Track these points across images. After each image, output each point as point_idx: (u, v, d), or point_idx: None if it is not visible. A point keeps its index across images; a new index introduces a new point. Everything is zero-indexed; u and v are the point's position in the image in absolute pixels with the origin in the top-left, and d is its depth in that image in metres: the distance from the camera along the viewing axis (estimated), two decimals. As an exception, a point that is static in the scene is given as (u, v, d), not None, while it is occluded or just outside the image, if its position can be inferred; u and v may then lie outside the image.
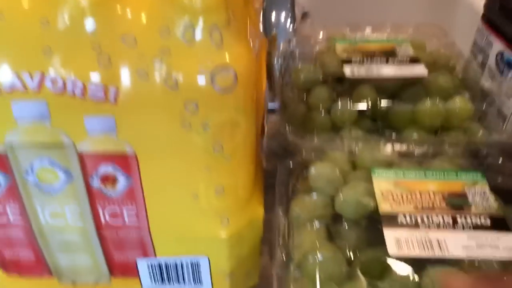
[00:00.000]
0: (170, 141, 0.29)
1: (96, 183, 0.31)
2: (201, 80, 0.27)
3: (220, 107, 0.28)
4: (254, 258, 0.37)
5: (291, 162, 0.37)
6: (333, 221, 0.33)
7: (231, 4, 0.27)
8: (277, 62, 0.52)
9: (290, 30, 0.60)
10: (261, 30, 0.39)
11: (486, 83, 0.32)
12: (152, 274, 0.36)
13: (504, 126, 0.41)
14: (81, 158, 0.30)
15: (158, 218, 0.33)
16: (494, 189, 0.32)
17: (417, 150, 0.37)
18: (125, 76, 0.27)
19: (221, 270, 0.36)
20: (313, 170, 0.35)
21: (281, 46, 0.53)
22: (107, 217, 0.33)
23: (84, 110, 0.28)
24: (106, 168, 0.31)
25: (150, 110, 0.28)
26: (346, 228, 0.32)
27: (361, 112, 0.43)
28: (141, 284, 0.37)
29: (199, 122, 0.28)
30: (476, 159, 0.37)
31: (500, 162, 0.35)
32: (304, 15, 1.04)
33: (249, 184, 0.33)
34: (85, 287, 0.38)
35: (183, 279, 0.36)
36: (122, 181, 0.31)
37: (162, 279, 0.37)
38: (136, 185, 0.31)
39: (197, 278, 0.36)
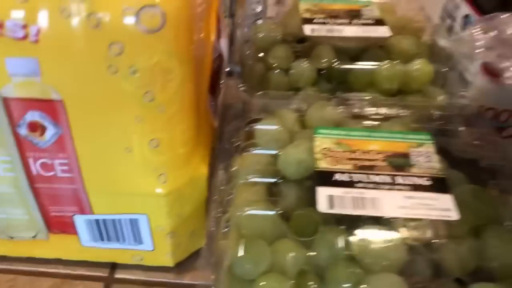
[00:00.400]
0: (97, 87, 0.27)
1: (23, 131, 0.30)
2: (126, 20, 0.25)
3: (148, 50, 0.26)
4: (199, 218, 0.36)
5: (239, 119, 0.35)
6: (276, 180, 0.31)
7: None
8: (244, 20, 0.50)
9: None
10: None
11: (441, 40, 0.30)
12: (90, 231, 0.35)
13: (466, 91, 0.40)
14: (6, 104, 0.29)
15: (92, 172, 0.32)
16: (442, 152, 0.31)
17: (370, 112, 0.35)
18: (46, 15, 0.25)
19: (161, 228, 0.34)
20: (258, 127, 0.33)
21: (252, 4, 0.51)
22: (38, 168, 0.31)
23: (5, 51, 0.26)
24: (33, 116, 0.29)
25: (73, 52, 0.26)
26: (287, 186, 0.30)
27: (320, 73, 0.41)
28: (79, 240, 0.36)
29: (126, 65, 0.26)
30: (429, 123, 0.35)
31: (452, 126, 0.34)
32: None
33: (189, 140, 0.32)
34: (23, 242, 0.36)
35: (123, 237, 0.35)
36: (50, 130, 0.29)
37: (101, 237, 0.35)
38: (66, 135, 0.30)
39: (137, 236, 0.35)
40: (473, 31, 0.28)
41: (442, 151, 0.32)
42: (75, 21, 0.25)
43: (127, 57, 0.26)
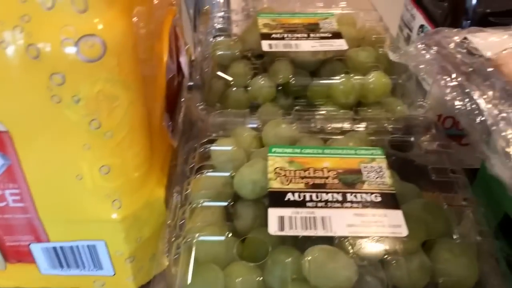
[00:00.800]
0: (41, 116, 0.27)
1: (-29, 163, 0.29)
2: (66, 50, 0.25)
3: (90, 79, 0.26)
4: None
5: (196, 139, 0.35)
6: (233, 201, 0.31)
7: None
8: (204, 36, 0.50)
9: (223, 4, 0.57)
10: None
11: (390, 54, 0.31)
12: (48, 259, 0.34)
13: (424, 100, 0.40)
14: (-48, 136, 0.28)
15: (45, 201, 0.31)
16: (394, 165, 0.31)
17: (327, 127, 0.36)
18: (-16, 46, 0.25)
19: (120, 253, 0.34)
20: (214, 148, 0.33)
21: (213, 20, 0.51)
22: (-11, 199, 0.31)
23: None
24: (-21, 147, 0.28)
25: (15, 84, 0.26)
26: (243, 206, 0.30)
27: (280, 88, 0.41)
28: (38, 269, 0.35)
29: (69, 95, 0.26)
30: (386, 135, 0.36)
31: (410, 137, 0.34)
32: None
33: (142, 163, 0.32)
34: (-21, 274, 0.36)
35: (82, 263, 0.35)
36: (-2, 161, 0.29)
37: (60, 264, 0.35)
38: (15, 165, 0.29)
39: (96, 262, 0.34)
40: (418, 45, 0.28)
41: (398, 163, 0.32)
42: (14, 52, 0.25)
43: (70, 86, 0.26)
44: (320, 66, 0.43)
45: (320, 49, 0.42)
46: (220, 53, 0.43)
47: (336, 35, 0.44)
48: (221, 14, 0.49)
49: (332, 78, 0.41)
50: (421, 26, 0.43)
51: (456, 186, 0.31)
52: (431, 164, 0.31)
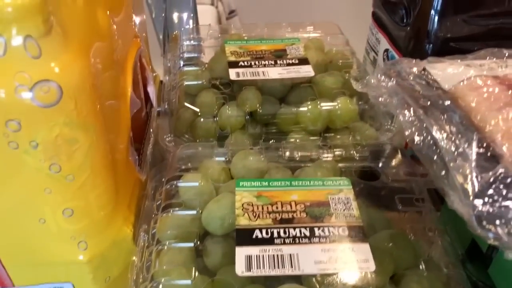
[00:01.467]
0: (0, 162, 0.26)
1: None
2: (20, 96, 0.24)
3: (47, 124, 0.25)
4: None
5: (163, 172, 0.34)
6: (203, 236, 0.31)
7: (57, 8, 0.25)
8: (174, 64, 0.50)
9: (192, 30, 0.57)
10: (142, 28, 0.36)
11: (353, 83, 0.31)
12: (13, 304, 0.33)
13: (392, 124, 0.41)
14: None
15: (7, 245, 0.30)
16: (362, 193, 0.31)
17: (296, 156, 0.36)
18: None
19: (89, 295, 0.33)
20: (181, 183, 0.33)
21: (182, 47, 0.51)
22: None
23: None
24: None
25: (-30, 131, 0.25)
26: (212, 243, 0.30)
27: (248, 117, 0.41)
28: (3, 315, 0.34)
29: (26, 141, 0.25)
30: (353, 162, 0.36)
31: (372, 164, 0.35)
32: (231, 13, 1.02)
33: (106, 203, 0.31)
34: None
35: (49, 307, 0.34)
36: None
37: (26, 308, 0.34)
38: (-26, 211, 0.28)
39: (64, 305, 0.34)
40: (378, 76, 0.28)
41: (366, 192, 0.32)
42: (-33, 100, 0.24)
43: (26, 132, 0.25)
44: (288, 92, 0.43)
45: (287, 76, 0.42)
46: (187, 83, 0.43)
47: (303, 61, 0.44)
48: (189, 42, 0.49)
49: (301, 104, 0.41)
50: (386, 50, 0.44)
51: (423, 216, 0.31)
52: (397, 193, 0.31)
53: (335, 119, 0.40)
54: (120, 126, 0.33)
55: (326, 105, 0.39)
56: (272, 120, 0.42)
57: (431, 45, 0.39)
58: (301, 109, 0.40)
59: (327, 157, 0.35)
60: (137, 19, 0.43)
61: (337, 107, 0.39)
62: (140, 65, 0.42)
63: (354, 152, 0.36)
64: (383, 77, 0.28)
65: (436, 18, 0.37)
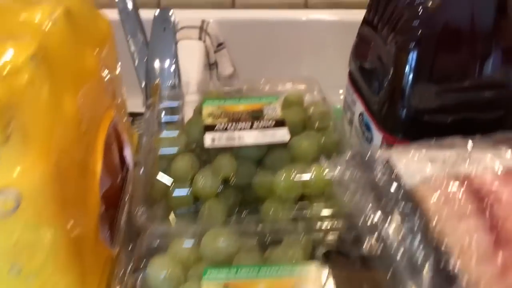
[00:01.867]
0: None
1: None
2: (-23, 207, 0.24)
3: (5, 231, 0.25)
4: None
5: (132, 254, 0.34)
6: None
7: (19, 109, 0.25)
8: (150, 127, 0.49)
9: (174, 78, 0.57)
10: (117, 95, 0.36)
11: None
12: None
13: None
14: None
15: None
16: (336, 278, 0.31)
17: (267, 230, 0.35)
18: None
19: None
20: (149, 269, 0.32)
21: (160, 109, 0.50)
22: None
23: None
24: None
25: None
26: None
27: (222, 186, 0.41)
28: None
29: (-16, 248, 0.25)
30: (325, 236, 0.35)
31: (346, 240, 0.34)
32: (220, 45, 1.03)
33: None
34: None
35: None
36: None
37: None
38: None
39: None
40: (344, 170, 0.28)
41: (341, 277, 0.32)
42: None
43: (-17, 241, 0.25)
44: (265, 154, 0.43)
45: (262, 141, 0.42)
46: (163, 149, 0.42)
47: (279, 123, 0.44)
48: (167, 104, 0.49)
49: (277, 168, 0.41)
50: (361, 114, 0.44)
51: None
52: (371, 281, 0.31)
53: (310, 187, 0.39)
54: (88, 210, 0.33)
55: (300, 174, 0.39)
56: (247, 186, 0.41)
57: (404, 110, 0.39)
58: (276, 178, 0.39)
59: (299, 233, 0.35)
60: (112, 74, 0.43)
61: (312, 176, 0.39)
62: (115, 133, 0.42)
63: (328, 223, 0.36)
64: (349, 170, 0.28)
65: (408, 89, 0.37)
